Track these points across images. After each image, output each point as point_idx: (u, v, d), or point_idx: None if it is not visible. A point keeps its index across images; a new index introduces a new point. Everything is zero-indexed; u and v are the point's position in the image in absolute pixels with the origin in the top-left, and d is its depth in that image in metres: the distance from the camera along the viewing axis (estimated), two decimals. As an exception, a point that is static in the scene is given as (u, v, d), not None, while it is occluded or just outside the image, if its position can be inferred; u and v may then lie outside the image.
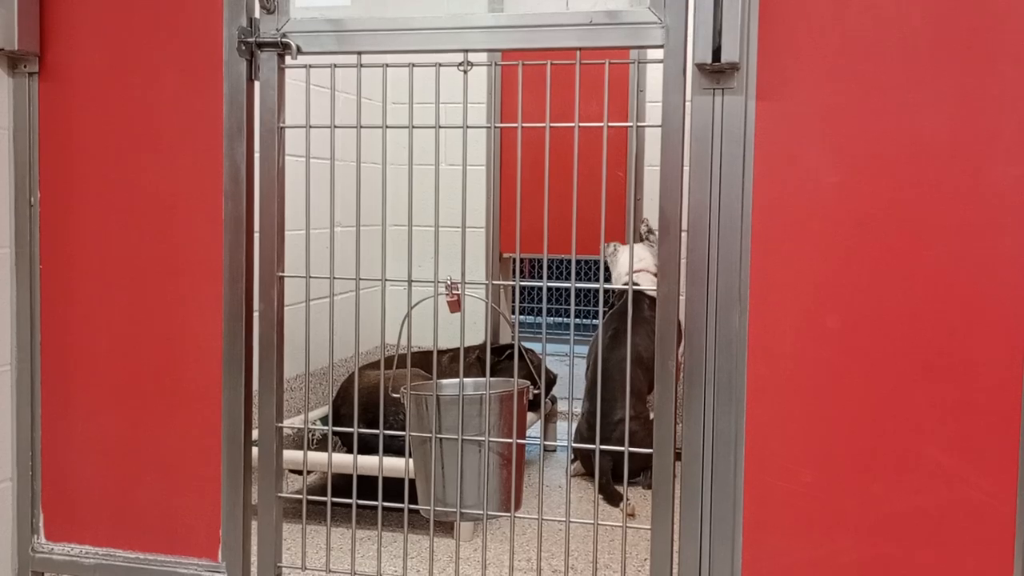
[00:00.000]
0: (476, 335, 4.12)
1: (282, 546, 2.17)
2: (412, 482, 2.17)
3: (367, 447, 2.75)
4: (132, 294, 2.17)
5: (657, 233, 1.92)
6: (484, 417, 2.07)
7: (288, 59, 2.04)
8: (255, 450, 2.15)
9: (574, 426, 3.72)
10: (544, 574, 2.72)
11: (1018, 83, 1.73)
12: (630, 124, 3.78)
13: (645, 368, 3.43)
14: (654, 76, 3.49)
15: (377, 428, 2.19)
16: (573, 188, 2.03)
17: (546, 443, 4.13)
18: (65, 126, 2.18)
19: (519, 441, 2.11)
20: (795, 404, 1.85)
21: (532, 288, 7.87)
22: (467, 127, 2.02)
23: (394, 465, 2.58)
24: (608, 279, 3.84)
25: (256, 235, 2.10)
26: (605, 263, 3.85)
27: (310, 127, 2.05)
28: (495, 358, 3.54)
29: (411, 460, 2.20)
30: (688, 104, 1.85)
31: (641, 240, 3.90)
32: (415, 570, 2.74)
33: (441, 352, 3.47)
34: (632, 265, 2.20)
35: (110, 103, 2.15)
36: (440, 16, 1.98)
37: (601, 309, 2.12)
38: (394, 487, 2.21)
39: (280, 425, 2.13)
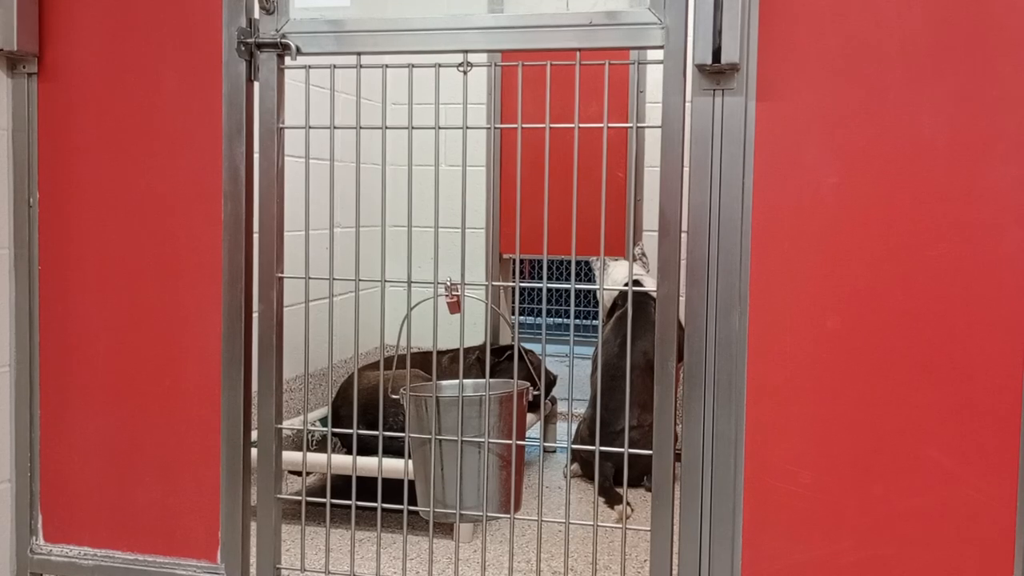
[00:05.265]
0: (476, 336, 4.11)
1: (281, 547, 2.16)
2: (411, 483, 2.16)
3: (366, 448, 2.75)
4: (131, 295, 2.17)
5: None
6: (484, 418, 2.06)
7: (287, 60, 2.04)
8: (254, 451, 2.15)
9: (574, 427, 3.70)
10: (543, 575, 2.72)
11: (1018, 84, 1.72)
12: (630, 125, 3.77)
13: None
14: (654, 77, 3.48)
15: (376, 429, 2.19)
16: (573, 189, 2.02)
17: (546, 444, 4.12)
18: (64, 126, 2.18)
19: (519, 442, 2.11)
20: (795, 405, 1.85)
21: (532, 289, 7.87)
22: (467, 128, 2.02)
23: (393, 466, 2.57)
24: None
25: (255, 236, 2.10)
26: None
27: (309, 128, 2.05)
28: (495, 359, 3.54)
29: (410, 461, 2.19)
30: (688, 105, 1.85)
31: (635, 261, 3.87)
32: (414, 571, 2.74)
33: (441, 353, 3.47)
34: (631, 271, 2.19)
35: (109, 103, 2.15)
36: (439, 17, 1.98)
37: (602, 311, 2.12)
38: (393, 488, 2.21)
39: (279, 426, 2.12)
